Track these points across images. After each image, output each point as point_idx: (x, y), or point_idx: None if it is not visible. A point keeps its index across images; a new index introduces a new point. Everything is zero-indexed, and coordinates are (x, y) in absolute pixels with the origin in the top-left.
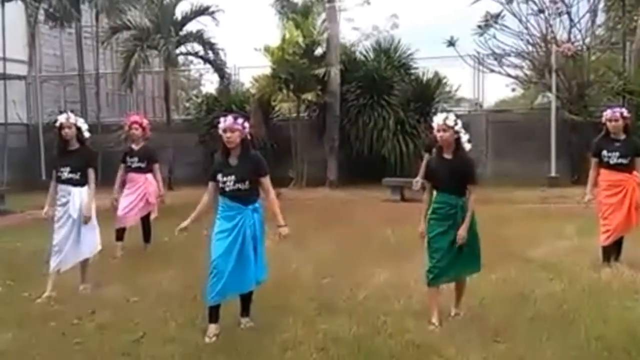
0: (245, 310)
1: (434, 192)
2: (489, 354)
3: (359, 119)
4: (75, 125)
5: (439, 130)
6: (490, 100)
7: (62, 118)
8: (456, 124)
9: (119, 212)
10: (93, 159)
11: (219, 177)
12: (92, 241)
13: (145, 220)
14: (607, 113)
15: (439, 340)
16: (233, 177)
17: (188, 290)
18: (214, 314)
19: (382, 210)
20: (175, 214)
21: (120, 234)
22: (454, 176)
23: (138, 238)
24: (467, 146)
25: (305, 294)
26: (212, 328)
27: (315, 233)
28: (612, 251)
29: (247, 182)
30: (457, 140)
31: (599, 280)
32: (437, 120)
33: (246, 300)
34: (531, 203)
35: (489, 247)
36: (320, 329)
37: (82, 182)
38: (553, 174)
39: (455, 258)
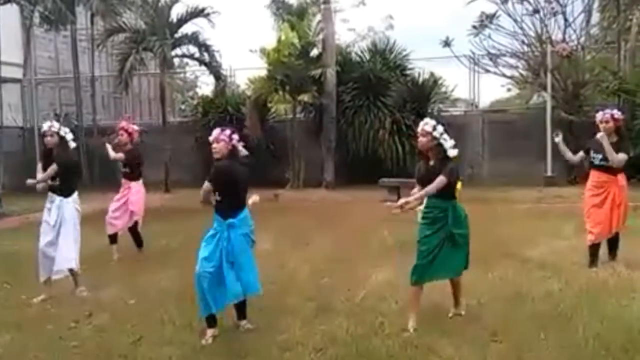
0: (240, 316)
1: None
2: (487, 354)
3: (355, 120)
4: (57, 133)
5: (418, 136)
6: (485, 100)
7: (45, 126)
8: (434, 129)
9: (107, 218)
10: (68, 163)
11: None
12: (66, 256)
13: (133, 230)
14: (598, 115)
15: (437, 340)
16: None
17: (186, 292)
18: (209, 320)
19: (378, 210)
20: (173, 216)
21: (113, 238)
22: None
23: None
24: (453, 152)
25: (303, 294)
26: (210, 331)
27: (312, 234)
28: (607, 249)
29: (216, 193)
30: (438, 146)
31: (596, 279)
32: (419, 127)
33: (239, 306)
34: (528, 203)
35: (487, 247)
36: (318, 329)
37: (64, 191)
38: (549, 173)
39: (441, 258)
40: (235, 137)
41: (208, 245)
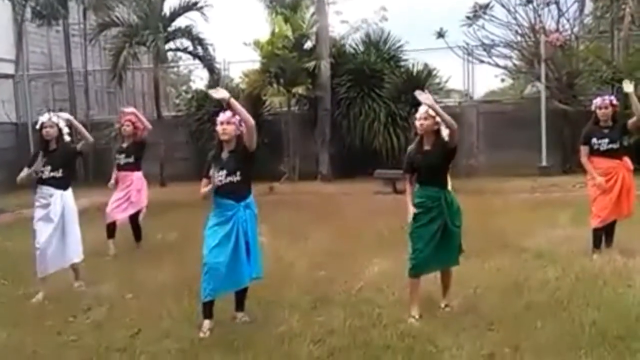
0: (239, 306)
1: (416, 185)
2: (484, 343)
3: (350, 112)
4: (57, 125)
5: (420, 119)
6: (480, 91)
7: (43, 118)
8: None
9: (107, 209)
10: (73, 154)
11: (213, 172)
12: (76, 247)
13: (133, 219)
14: (597, 101)
15: (434, 330)
16: (225, 171)
17: (183, 285)
18: (207, 309)
19: (374, 202)
20: (168, 210)
21: (111, 231)
22: (434, 165)
23: (131, 235)
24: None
25: (300, 287)
26: (207, 323)
27: (309, 226)
28: (604, 236)
29: (238, 173)
30: (437, 131)
31: (592, 267)
32: (420, 110)
33: (241, 296)
34: (523, 193)
35: (483, 237)
36: (316, 321)
37: (63, 183)
38: (544, 163)
39: (436, 249)
40: (244, 124)
41: (218, 232)
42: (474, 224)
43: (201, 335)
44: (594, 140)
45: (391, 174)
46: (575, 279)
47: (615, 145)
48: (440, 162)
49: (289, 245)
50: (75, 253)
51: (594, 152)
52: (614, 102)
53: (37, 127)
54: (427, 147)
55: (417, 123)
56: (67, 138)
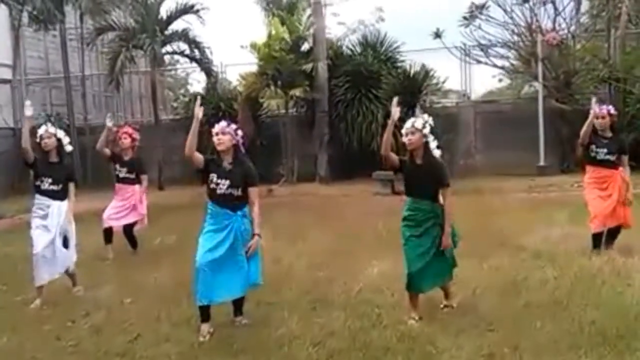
0: (238, 312)
1: (406, 199)
2: (484, 343)
3: (348, 114)
4: (55, 135)
5: (407, 134)
6: (477, 91)
7: (40, 130)
8: (424, 127)
9: (104, 215)
10: (74, 173)
11: (213, 177)
12: (66, 256)
13: (128, 230)
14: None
15: (434, 332)
16: (228, 182)
17: (181, 289)
18: (204, 313)
19: (373, 203)
20: (166, 213)
21: (108, 236)
22: (425, 181)
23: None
24: (437, 152)
25: (299, 288)
26: (205, 327)
27: (308, 228)
28: (606, 237)
29: (239, 189)
30: (426, 145)
31: (590, 266)
32: (406, 124)
33: (238, 302)
34: (521, 192)
35: (482, 237)
36: (315, 323)
37: (61, 196)
38: (542, 162)
39: (430, 263)
40: (240, 134)
41: (214, 237)
42: (472, 224)
43: (201, 339)
44: (593, 147)
45: (389, 175)
46: (574, 278)
47: (612, 157)
48: (430, 179)
49: (288, 246)
50: (63, 264)
51: (590, 160)
52: (612, 111)
53: (37, 138)
54: (418, 162)
55: (405, 139)
56: (68, 148)
